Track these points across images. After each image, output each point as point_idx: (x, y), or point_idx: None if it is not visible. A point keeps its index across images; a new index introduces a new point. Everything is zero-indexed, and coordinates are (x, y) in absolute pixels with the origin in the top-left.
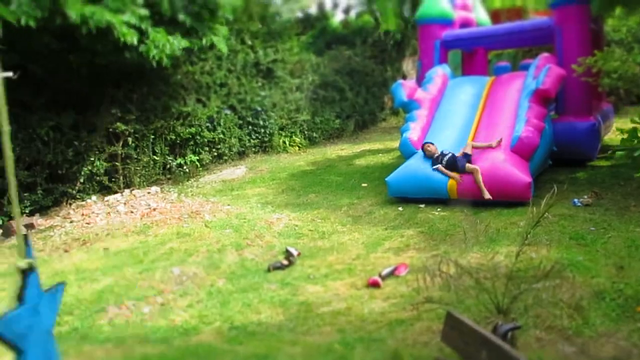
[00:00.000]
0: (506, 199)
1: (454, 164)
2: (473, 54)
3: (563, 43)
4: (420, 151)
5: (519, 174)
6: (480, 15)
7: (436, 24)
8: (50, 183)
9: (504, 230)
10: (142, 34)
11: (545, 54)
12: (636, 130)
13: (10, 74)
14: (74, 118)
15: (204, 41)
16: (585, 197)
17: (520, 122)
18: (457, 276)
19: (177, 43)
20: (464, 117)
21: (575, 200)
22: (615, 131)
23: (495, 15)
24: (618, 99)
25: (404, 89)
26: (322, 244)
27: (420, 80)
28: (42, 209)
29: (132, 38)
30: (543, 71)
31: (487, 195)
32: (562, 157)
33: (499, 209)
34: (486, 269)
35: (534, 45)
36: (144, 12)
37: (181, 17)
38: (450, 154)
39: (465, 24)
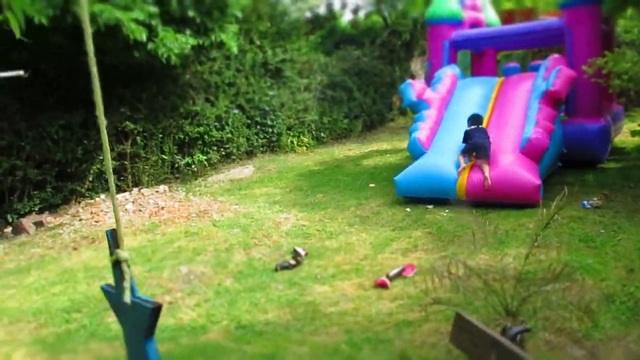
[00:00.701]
0: (515, 201)
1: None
2: (482, 55)
3: (573, 44)
4: (429, 151)
5: (528, 176)
6: (490, 16)
7: (445, 24)
8: (60, 181)
9: (513, 231)
10: (151, 32)
11: (555, 55)
12: None
13: (21, 72)
14: (83, 117)
15: (213, 38)
16: (595, 199)
17: (529, 123)
18: (466, 277)
19: (186, 41)
20: None
21: (585, 202)
22: (625, 133)
23: (505, 16)
24: (629, 100)
25: (413, 88)
26: (330, 244)
27: (429, 81)
28: (51, 207)
29: (141, 35)
30: (553, 72)
31: (489, 182)
32: (572, 159)
33: (508, 210)
34: (495, 270)
35: (544, 46)
36: (154, 9)
37: (191, 13)
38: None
39: (475, 24)
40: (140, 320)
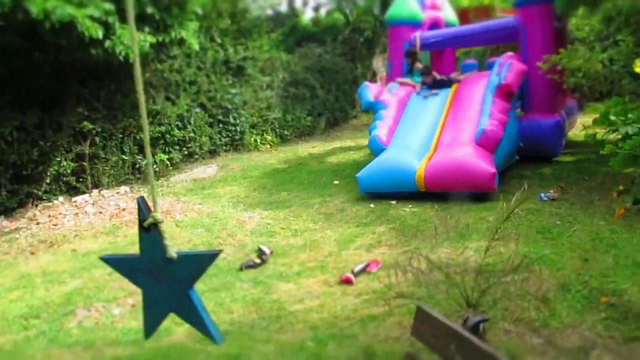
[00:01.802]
0: (471, 189)
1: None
2: (441, 53)
3: (527, 41)
4: (388, 147)
5: (483, 164)
6: (448, 14)
7: (405, 26)
8: (15, 184)
9: (474, 225)
10: (107, 29)
11: (509, 53)
12: (607, 114)
13: None
14: (39, 117)
15: (173, 35)
16: (552, 191)
17: (484, 116)
18: (428, 271)
19: (144, 38)
20: (431, 115)
21: (542, 194)
22: (579, 127)
23: (463, 14)
24: (582, 95)
25: (370, 90)
26: (295, 242)
27: (390, 82)
28: (7, 211)
29: (97, 32)
30: (505, 67)
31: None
32: (528, 153)
33: (469, 204)
34: (456, 263)
35: (500, 43)
36: (109, 6)
37: (149, 10)
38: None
39: (434, 23)
40: (189, 271)
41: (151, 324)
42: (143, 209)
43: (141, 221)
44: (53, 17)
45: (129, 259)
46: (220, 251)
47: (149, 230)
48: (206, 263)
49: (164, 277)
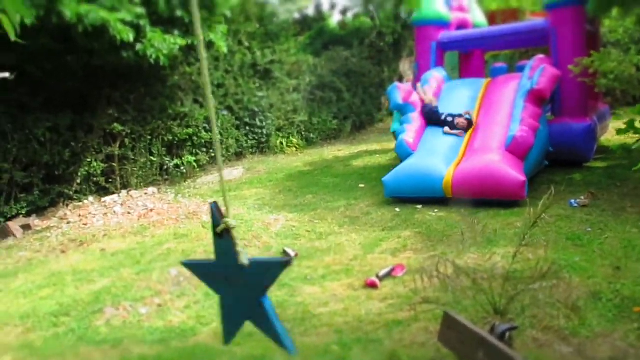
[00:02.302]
0: (501, 197)
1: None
2: (470, 56)
3: (558, 44)
4: (416, 152)
5: (513, 172)
6: (477, 17)
7: (432, 26)
8: (47, 184)
9: (501, 231)
10: (138, 32)
11: (540, 55)
12: (633, 121)
13: (7, 74)
14: (71, 119)
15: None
16: (582, 197)
17: (515, 122)
18: (455, 277)
19: (174, 41)
20: None
21: (572, 200)
22: (611, 132)
23: (492, 17)
24: (615, 99)
25: (400, 91)
26: (320, 245)
27: (417, 82)
28: (38, 210)
29: (128, 35)
30: (538, 71)
31: None
32: (559, 158)
33: (496, 209)
34: (483, 269)
35: (530, 46)
36: (140, 10)
37: (179, 13)
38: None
39: (462, 25)
40: (261, 277)
41: (229, 330)
42: (216, 214)
43: (215, 226)
44: (86, 21)
45: (206, 264)
46: (290, 260)
47: (222, 236)
48: (278, 271)
49: (238, 284)
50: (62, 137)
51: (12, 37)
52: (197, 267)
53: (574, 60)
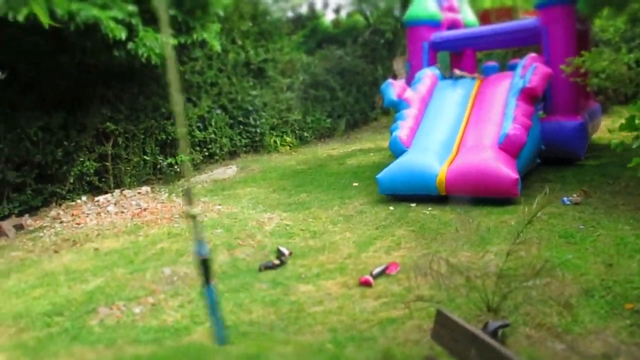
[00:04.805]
0: (494, 195)
1: None
2: (461, 55)
3: (549, 43)
4: (410, 149)
5: (506, 170)
6: (468, 16)
7: (424, 26)
8: (40, 183)
9: (495, 229)
10: (131, 31)
11: (532, 54)
12: (634, 118)
13: None
14: (63, 118)
15: (194, 37)
16: (574, 195)
17: (507, 120)
18: (448, 275)
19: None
20: (453, 116)
21: (565, 198)
22: (603, 130)
23: (486, 15)
24: (606, 98)
25: (394, 88)
26: (314, 244)
27: (410, 82)
28: (31, 210)
29: (121, 34)
30: (530, 70)
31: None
32: (551, 156)
33: (490, 207)
34: (477, 267)
35: (521, 45)
36: (132, 8)
37: (172, 12)
38: None
39: (453, 25)
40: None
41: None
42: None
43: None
44: (78, 19)
45: None
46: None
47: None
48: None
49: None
50: (54, 136)
51: (46, 23)
52: None
53: (566, 60)
